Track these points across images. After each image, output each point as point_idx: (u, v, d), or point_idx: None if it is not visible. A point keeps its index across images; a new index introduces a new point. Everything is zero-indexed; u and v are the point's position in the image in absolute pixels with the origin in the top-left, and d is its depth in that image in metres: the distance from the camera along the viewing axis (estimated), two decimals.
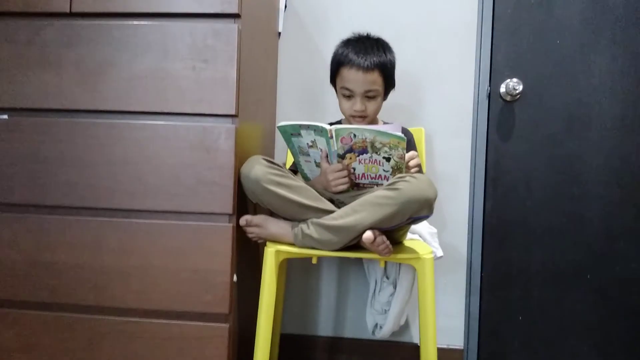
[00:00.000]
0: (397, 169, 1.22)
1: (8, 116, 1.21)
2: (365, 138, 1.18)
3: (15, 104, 1.21)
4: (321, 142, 1.23)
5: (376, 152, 1.20)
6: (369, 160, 1.22)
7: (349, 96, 1.39)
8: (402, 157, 1.20)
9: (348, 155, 1.23)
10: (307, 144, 1.26)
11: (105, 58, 1.19)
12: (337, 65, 1.40)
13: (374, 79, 1.36)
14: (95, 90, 1.19)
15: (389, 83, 1.42)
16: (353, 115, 1.40)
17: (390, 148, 1.18)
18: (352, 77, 1.36)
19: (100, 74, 1.19)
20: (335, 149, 1.22)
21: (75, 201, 1.20)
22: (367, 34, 1.43)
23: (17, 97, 1.21)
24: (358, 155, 1.22)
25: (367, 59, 1.34)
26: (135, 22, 1.18)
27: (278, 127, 1.26)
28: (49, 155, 1.20)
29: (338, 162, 1.24)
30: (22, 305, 1.22)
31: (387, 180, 1.23)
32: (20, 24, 1.20)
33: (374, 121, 1.48)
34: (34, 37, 1.20)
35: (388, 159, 1.20)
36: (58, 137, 1.20)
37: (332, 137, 1.20)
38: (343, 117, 1.52)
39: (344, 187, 1.25)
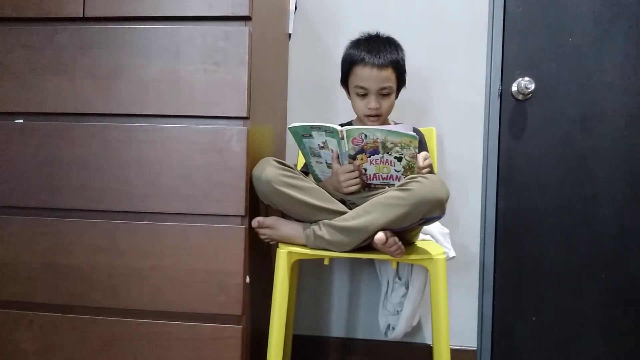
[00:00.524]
0: (408, 169, 1.21)
1: (23, 120, 1.23)
2: (377, 138, 1.18)
3: (30, 109, 1.22)
4: (332, 143, 1.24)
5: (387, 152, 1.20)
6: (380, 160, 1.22)
7: (364, 95, 1.39)
8: (414, 157, 1.19)
9: (359, 156, 1.22)
10: (319, 145, 1.27)
11: (118, 62, 1.20)
12: (350, 64, 1.40)
13: (388, 76, 1.37)
14: (109, 94, 1.21)
15: (401, 81, 1.43)
16: (367, 115, 1.41)
17: (401, 147, 1.18)
18: (367, 74, 1.36)
19: (113, 78, 1.20)
20: (347, 149, 1.22)
21: (90, 204, 1.21)
22: (377, 33, 1.44)
23: (32, 101, 1.22)
24: (369, 156, 1.22)
25: (380, 57, 1.36)
26: (148, 26, 1.20)
27: (289, 129, 1.26)
28: (63, 159, 1.21)
29: (349, 163, 1.24)
30: (38, 307, 1.23)
31: (399, 180, 1.23)
32: (35, 29, 1.22)
33: (385, 121, 1.48)
34: (48, 42, 1.22)
35: (399, 159, 1.20)
36: (72, 141, 1.21)
37: (343, 138, 1.20)
38: (354, 118, 1.53)
39: (356, 188, 1.25)
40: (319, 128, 1.22)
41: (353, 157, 1.23)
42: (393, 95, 1.42)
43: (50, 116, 1.23)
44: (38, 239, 1.22)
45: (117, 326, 1.21)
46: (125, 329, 1.21)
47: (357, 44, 1.42)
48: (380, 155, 1.21)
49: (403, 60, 1.42)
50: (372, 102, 1.38)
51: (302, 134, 1.26)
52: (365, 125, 1.43)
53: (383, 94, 1.39)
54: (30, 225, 1.23)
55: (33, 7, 1.22)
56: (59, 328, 1.22)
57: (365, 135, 1.18)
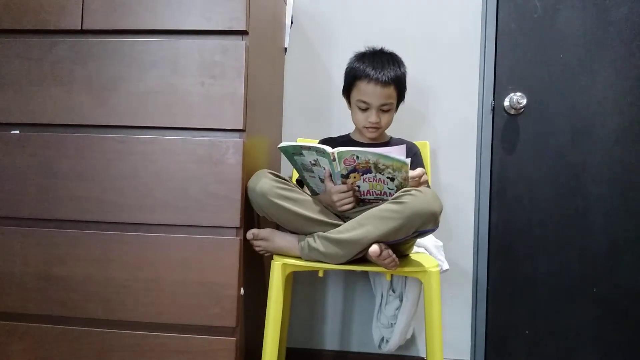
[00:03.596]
0: (401, 188, 1.20)
1: (19, 131, 1.23)
2: (368, 160, 1.17)
3: (27, 120, 1.23)
4: (324, 161, 1.23)
5: (380, 172, 1.19)
6: (373, 179, 1.21)
7: (365, 109, 1.41)
8: (406, 179, 1.19)
9: (352, 175, 1.22)
10: (310, 162, 1.26)
11: (115, 74, 1.21)
12: (354, 78, 1.42)
13: (390, 93, 1.39)
14: (106, 106, 1.21)
15: (401, 96, 1.45)
16: (367, 127, 1.42)
17: (393, 170, 1.17)
18: (370, 90, 1.38)
19: (110, 90, 1.21)
20: (339, 170, 1.21)
21: (85, 215, 1.21)
22: (382, 49, 1.46)
23: (29, 112, 1.23)
24: (362, 175, 1.22)
25: (384, 74, 1.38)
26: (145, 39, 1.21)
27: (279, 148, 1.25)
28: (59, 170, 1.22)
29: (342, 182, 1.24)
30: (31, 318, 1.22)
31: (392, 196, 1.23)
32: (33, 41, 1.23)
33: (383, 134, 1.50)
34: (46, 54, 1.23)
35: (392, 179, 1.20)
36: (68, 152, 1.22)
37: (334, 159, 1.19)
38: (351, 130, 1.54)
39: (349, 207, 1.25)
40: (309, 148, 1.22)
41: (345, 176, 1.23)
42: (393, 111, 1.44)
43: (46, 127, 1.23)
44: (32, 250, 1.22)
45: (110, 338, 1.20)
46: (119, 340, 1.20)
47: (362, 58, 1.44)
48: (372, 174, 1.20)
49: (405, 77, 1.44)
50: (372, 117, 1.40)
51: (292, 152, 1.26)
52: (364, 136, 1.46)
53: (384, 109, 1.41)
54: (25, 235, 1.22)
55: (31, 19, 1.23)
56: (53, 340, 1.22)
57: (357, 157, 1.18)
